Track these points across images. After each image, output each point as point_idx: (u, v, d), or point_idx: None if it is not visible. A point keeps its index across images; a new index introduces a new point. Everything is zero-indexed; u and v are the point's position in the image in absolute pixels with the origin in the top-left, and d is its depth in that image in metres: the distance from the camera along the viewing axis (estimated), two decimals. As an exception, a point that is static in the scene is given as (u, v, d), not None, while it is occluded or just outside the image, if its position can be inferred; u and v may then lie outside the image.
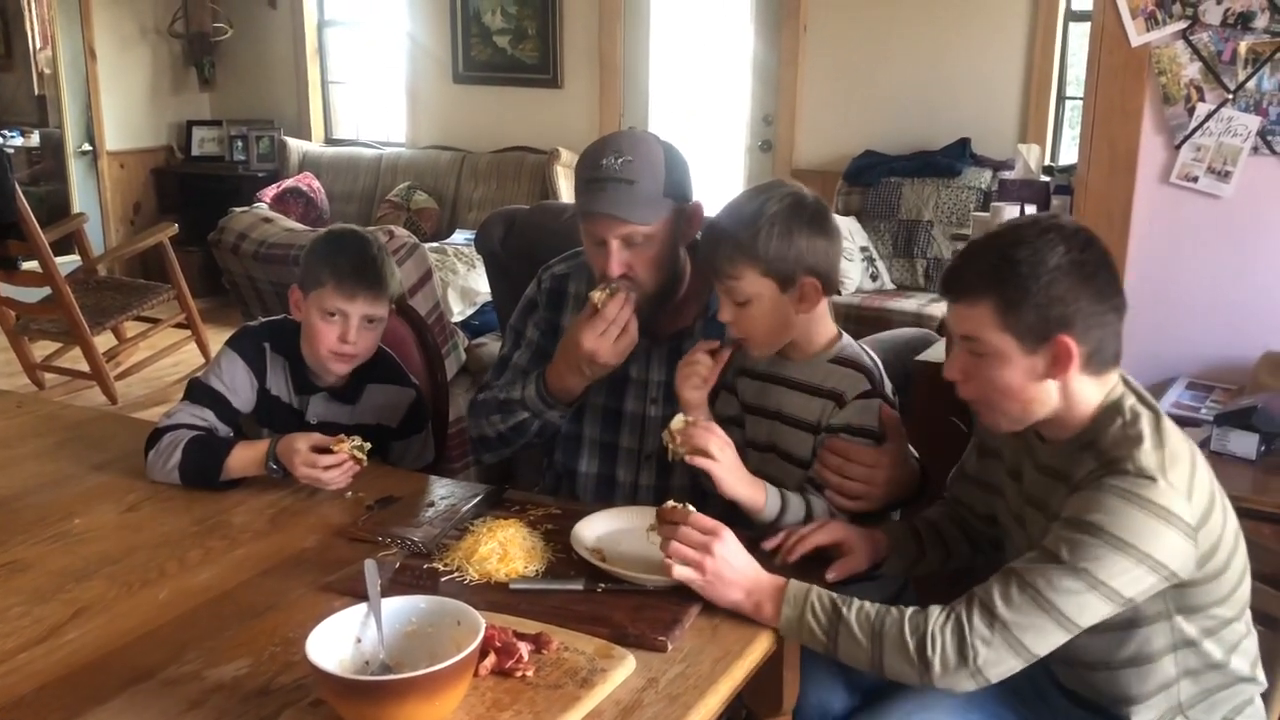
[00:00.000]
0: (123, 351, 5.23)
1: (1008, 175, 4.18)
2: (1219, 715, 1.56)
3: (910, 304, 4.67)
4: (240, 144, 6.83)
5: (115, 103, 6.62)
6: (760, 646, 1.48)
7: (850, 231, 4.92)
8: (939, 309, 4.48)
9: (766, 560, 1.58)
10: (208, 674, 1.36)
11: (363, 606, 1.34)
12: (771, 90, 5.62)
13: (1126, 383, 1.53)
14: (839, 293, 1.89)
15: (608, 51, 5.92)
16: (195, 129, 6.93)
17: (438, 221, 6.09)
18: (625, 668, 1.36)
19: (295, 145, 6.64)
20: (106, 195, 6.68)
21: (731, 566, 1.50)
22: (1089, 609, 1.40)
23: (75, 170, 6.66)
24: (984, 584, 1.45)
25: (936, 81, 5.14)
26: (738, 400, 1.89)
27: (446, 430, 2.46)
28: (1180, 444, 1.46)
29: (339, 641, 1.29)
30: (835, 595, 1.50)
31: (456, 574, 1.60)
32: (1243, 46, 2.35)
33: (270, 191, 6.18)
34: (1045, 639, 1.41)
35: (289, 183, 6.31)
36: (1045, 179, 3.11)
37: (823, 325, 1.81)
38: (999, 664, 1.42)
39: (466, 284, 4.78)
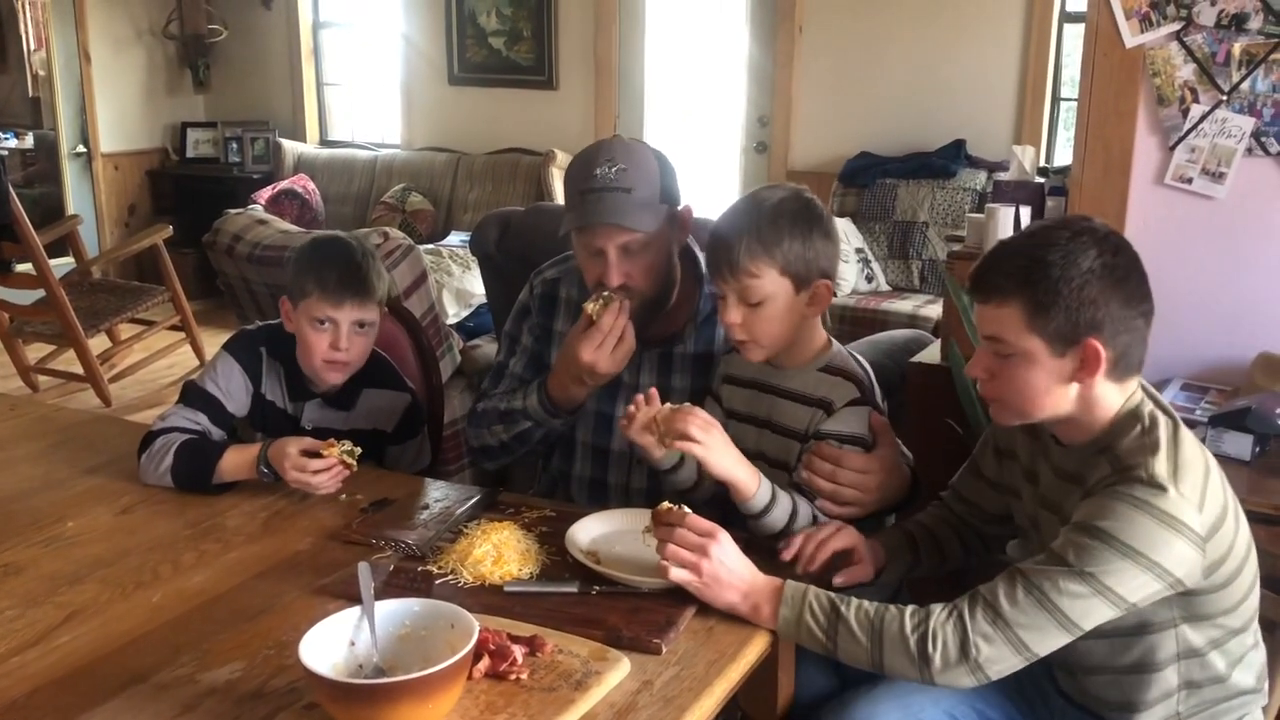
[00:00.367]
0: (117, 354, 5.22)
1: (1002, 177, 4.17)
2: None
3: (905, 305, 4.68)
4: (235, 146, 6.83)
5: (110, 104, 6.61)
6: (755, 648, 1.47)
7: (845, 233, 4.92)
8: (934, 310, 4.49)
9: (763, 561, 1.58)
10: (201, 677, 1.35)
11: (356, 609, 1.33)
12: (767, 92, 5.62)
13: (1145, 390, 1.53)
14: (835, 295, 1.89)
15: (603, 53, 5.92)
16: (190, 131, 6.92)
17: (433, 223, 6.09)
18: (620, 670, 1.35)
19: (290, 147, 6.63)
20: (101, 197, 6.67)
21: (728, 568, 1.50)
22: (1092, 612, 1.40)
23: (69, 172, 6.64)
24: (988, 583, 1.45)
25: (931, 83, 5.15)
26: (721, 408, 1.88)
27: (442, 433, 2.46)
28: (1196, 454, 1.46)
29: (333, 645, 1.29)
30: (833, 595, 1.50)
31: (451, 577, 1.59)
32: (1237, 48, 2.35)
33: (265, 193, 6.17)
34: (1047, 639, 1.42)
35: (284, 184, 6.30)
36: (1040, 180, 3.11)
37: (816, 332, 1.81)
38: (999, 661, 1.42)
39: (462, 286, 4.78)
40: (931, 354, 2.80)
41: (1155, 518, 1.38)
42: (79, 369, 4.96)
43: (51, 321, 4.89)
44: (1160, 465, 1.40)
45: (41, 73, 6.67)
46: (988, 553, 1.80)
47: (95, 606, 1.54)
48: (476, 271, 4.23)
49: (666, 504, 1.58)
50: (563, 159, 5.71)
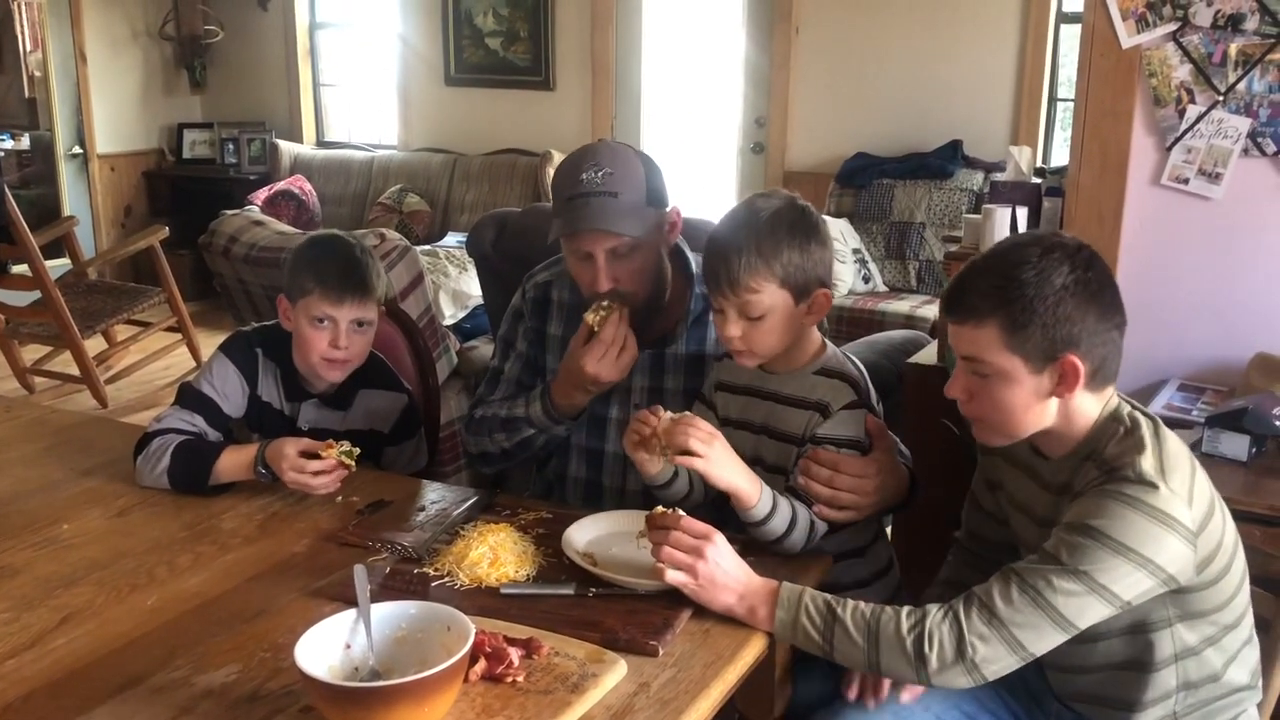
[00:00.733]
0: (113, 355, 5.22)
1: (999, 177, 4.18)
2: None
3: (902, 306, 4.68)
4: (231, 146, 6.82)
5: (106, 105, 6.61)
6: (752, 650, 1.47)
7: (842, 233, 4.92)
8: (930, 311, 4.49)
9: (759, 563, 1.58)
10: (197, 680, 1.35)
11: (352, 612, 1.33)
12: (763, 93, 5.62)
13: (1118, 394, 1.54)
14: (832, 300, 1.88)
15: (600, 54, 5.92)
16: (186, 131, 6.92)
17: (429, 224, 6.09)
18: (616, 673, 1.35)
19: (287, 148, 6.63)
20: (97, 198, 6.66)
21: (724, 570, 1.50)
22: (1088, 611, 1.40)
23: (65, 173, 6.64)
24: (983, 584, 1.45)
25: (928, 83, 5.15)
26: (716, 415, 1.87)
27: (438, 434, 2.45)
28: (1180, 450, 1.47)
29: (328, 647, 1.29)
30: (829, 597, 1.50)
31: (447, 579, 1.59)
32: (1233, 49, 2.35)
33: (262, 194, 6.17)
34: (1043, 638, 1.42)
35: (280, 185, 6.30)
36: (1036, 181, 3.11)
37: (812, 336, 1.80)
38: (995, 661, 1.42)
39: (458, 287, 4.77)
40: (928, 354, 2.80)
41: (1147, 514, 1.38)
42: (75, 370, 4.95)
43: (47, 323, 4.89)
44: (1148, 462, 1.41)
45: (38, 73, 6.66)
46: None
47: (90, 609, 1.54)
48: (473, 272, 4.23)
49: (661, 508, 1.57)
50: (559, 160, 5.69)
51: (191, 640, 1.45)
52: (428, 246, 5.33)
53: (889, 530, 2.17)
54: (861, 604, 1.49)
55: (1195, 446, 2.08)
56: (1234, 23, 2.34)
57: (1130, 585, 1.39)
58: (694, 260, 2.04)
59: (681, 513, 1.56)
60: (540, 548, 1.68)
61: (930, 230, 4.95)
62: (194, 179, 6.77)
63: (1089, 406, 1.50)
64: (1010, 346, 1.45)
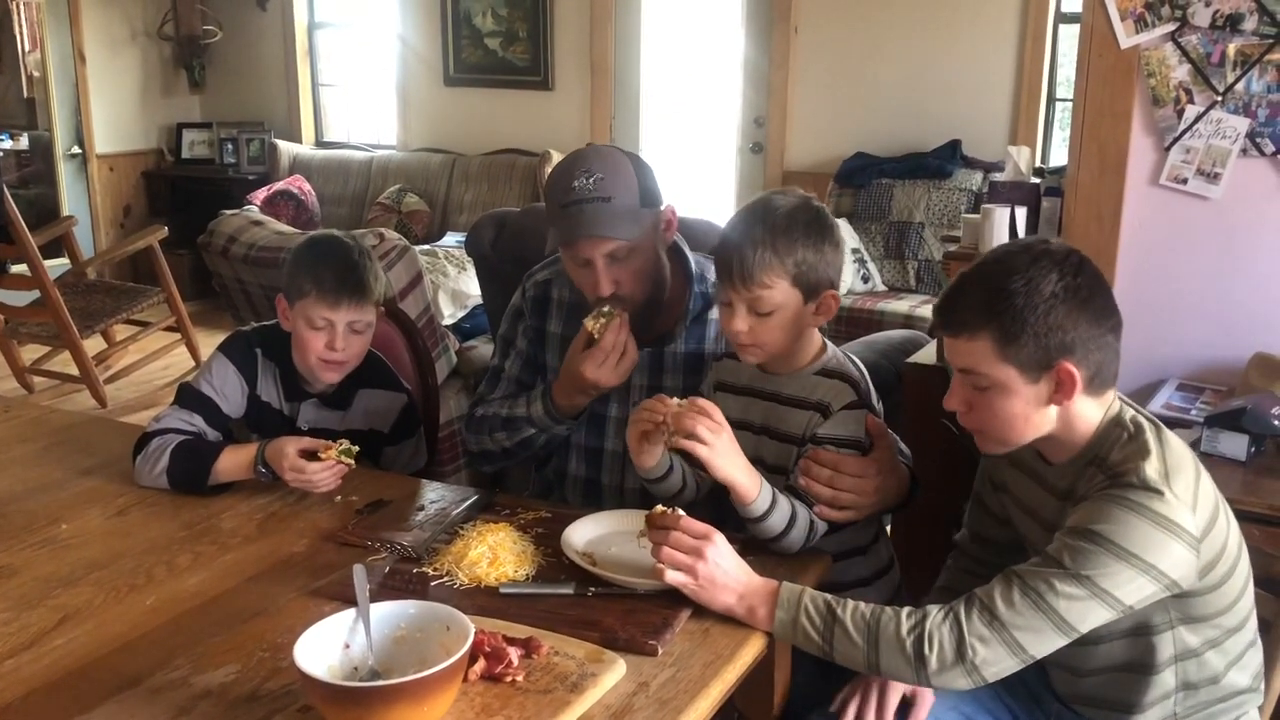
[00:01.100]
0: (112, 355, 5.22)
1: (998, 177, 4.18)
2: None
3: (901, 305, 4.68)
4: (230, 146, 6.82)
5: (104, 105, 6.60)
6: (751, 650, 1.47)
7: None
8: (929, 310, 4.49)
9: (758, 563, 1.58)
10: (195, 680, 1.35)
11: (351, 612, 1.33)
12: (762, 92, 5.62)
13: (1120, 398, 1.54)
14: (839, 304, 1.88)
15: (599, 54, 5.92)
16: (185, 131, 6.92)
17: (428, 224, 6.09)
18: (615, 672, 1.35)
19: (286, 148, 6.62)
20: (96, 198, 6.66)
21: (723, 570, 1.50)
22: (1089, 615, 1.40)
23: (64, 173, 6.64)
24: (984, 586, 1.45)
25: (927, 83, 5.15)
26: None
27: (437, 434, 2.45)
28: (1184, 454, 1.46)
29: (327, 647, 1.29)
30: (829, 597, 1.50)
31: (446, 578, 1.59)
32: (1231, 49, 2.35)
33: (261, 194, 6.17)
34: (1043, 641, 1.42)
35: (279, 185, 6.29)
36: (1035, 181, 3.11)
37: (813, 337, 1.80)
38: (996, 663, 1.42)
39: (457, 287, 4.77)
40: (927, 354, 2.80)
41: (1152, 521, 1.38)
42: (74, 370, 4.95)
43: (46, 323, 4.89)
44: (1152, 468, 1.41)
45: (36, 74, 6.66)
46: None
47: (89, 609, 1.54)
48: (472, 272, 4.24)
49: (661, 507, 1.57)
50: (558, 160, 5.69)
51: (190, 640, 1.44)
52: (427, 246, 5.33)
53: (888, 529, 2.17)
54: (861, 604, 1.48)
55: (1194, 446, 2.08)
56: (1232, 23, 2.34)
57: (1132, 590, 1.39)
58: (692, 259, 2.04)
59: (681, 512, 1.56)
60: (539, 547, 1.68)
61: (929, 230, 4.95)
62: (193, 179, 6.77)
63: (1090, 412, 1.49)
64: (1004, 358, 1.45)
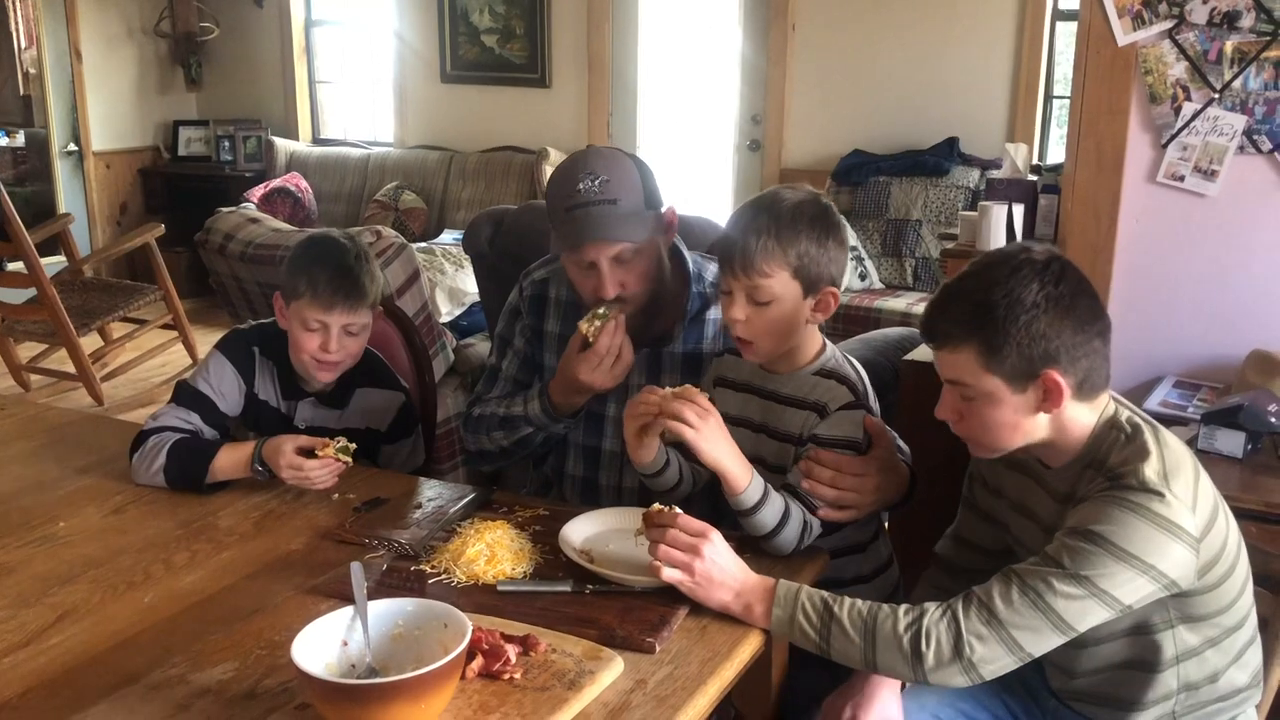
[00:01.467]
0: (109, 353, 5.21)
1: (995, 174, 4.19)
2: None
3: (899, 303, 4.68)
4: (227, 144, 6.81)
5: (101, 103, 6.59)
6: (749, 647, 1.47)
7: (839, 231, 4.92)
8: (927, 308, 4.49)
9: (755, 561, 1.58)
10: (193, 678, 1.35)
11: (349, 609, 1.33)
12: (760, 90, 5.62)
13: (1115, 399, 1.54)
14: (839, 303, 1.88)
15: (596, 51, 5.91)
16: (182, 129, 6.91)
17: (426, 221, 6.08)
18: (613, 669, 1.35)
19: (283, 145, 6.62)
20: (92, 196, 6.65)
21: (720, 568, 1.50)
22: (1088, 614, 1.40)
23: (61, 171, 6.63)
24: (983, 584, 1.45)
25: (925, 81, 5.15)
26: None
27: (435, 432, 2.45)
28: (1183, 455, 1.46)
29: (325, 644, 1.29)
30: (826, 594, 1.50)
31: (444, 576, 1.59)
32: (1229, 46, 2.36)
33: (258, 192, 6.16)
34: (1041, 640, 1.42)
35: (276, 183, 6.29)
36: (1033, 178, 3.12)
37: (813, 337, 1.80)
38: (993, 661, 1.42)
39: (454, 284, 4.77)
40: (924, 351, 2.79)
41: (1152, 522, 1.38)
42: (71, 368, 4.95)
43: (43, 320, 4.88)
44: (1152, 469, 1.41)
45: (32, 70, 6.65)
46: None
47: (87, 607, 1.54)
48: (469, 270, 4.23)
49: (658, 505, 1.57)
50: (556, 157, 5.70)
51: (188, 638, 1.44)
52: (424, 244, 5.32)
53: (886, 527, 2.17)
54: (858, 602, 1.48)
55: (1191, 443, 2.08)
56: (1230, 20, 2.34)
57: (1132, 591, 1.39)
58: (690, 259, 2.04)
59: (678, 510, 1.56)
60: (537, 545, 1.68)
61: (927, 227, 4.95)
62: (190, 176, 6.76)
63: (1083, 416, 1.50)
64: (989, 369, 1.45)
